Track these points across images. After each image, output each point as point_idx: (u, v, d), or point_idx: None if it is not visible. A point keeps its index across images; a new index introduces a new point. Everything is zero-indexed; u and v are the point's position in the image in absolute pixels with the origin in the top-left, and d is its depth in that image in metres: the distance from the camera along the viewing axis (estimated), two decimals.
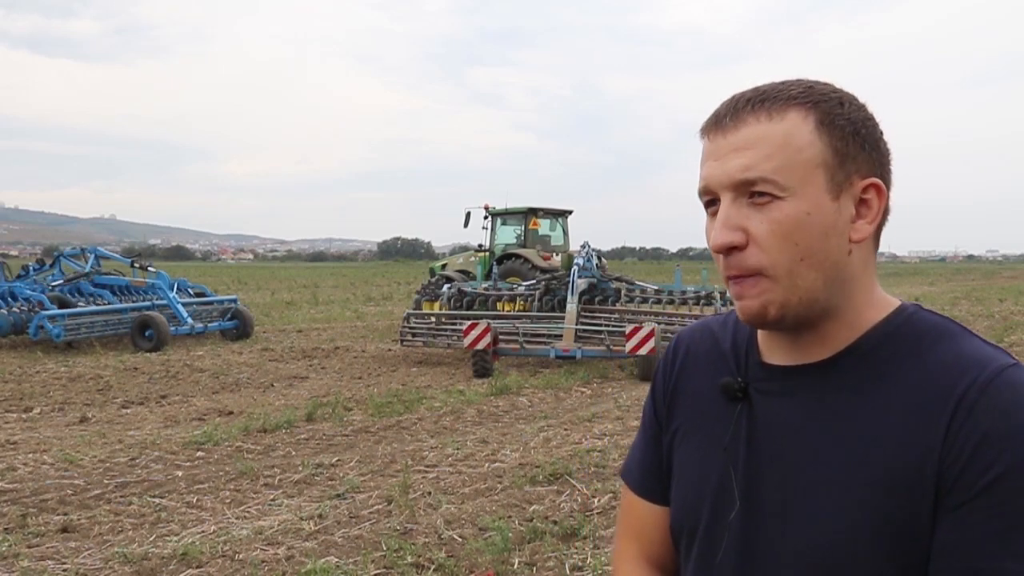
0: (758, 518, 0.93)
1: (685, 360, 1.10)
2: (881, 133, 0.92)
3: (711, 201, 0.92)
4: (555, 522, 4.73)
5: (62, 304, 13.47)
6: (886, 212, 0.92)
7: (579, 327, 10.92)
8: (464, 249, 20.49)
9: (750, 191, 0.87)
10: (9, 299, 13.63)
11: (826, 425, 0.90)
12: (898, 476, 0.84)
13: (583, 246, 12.76)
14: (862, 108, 0.91)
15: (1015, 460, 0.79)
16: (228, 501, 5.22)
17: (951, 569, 0.81)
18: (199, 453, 6.45)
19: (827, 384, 0.92)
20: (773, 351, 0.98)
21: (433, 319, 12.30)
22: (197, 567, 4.13)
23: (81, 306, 13.84)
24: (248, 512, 5.01)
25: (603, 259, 13.46)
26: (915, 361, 0.88)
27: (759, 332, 1.00)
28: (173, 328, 13.59)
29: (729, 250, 0.88)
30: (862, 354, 0.91)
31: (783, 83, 0.91)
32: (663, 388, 1.12)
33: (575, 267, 11.83)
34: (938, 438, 0.83)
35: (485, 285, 13.32)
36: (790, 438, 0.93)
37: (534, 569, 4.11)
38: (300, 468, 5.94)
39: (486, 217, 17.09)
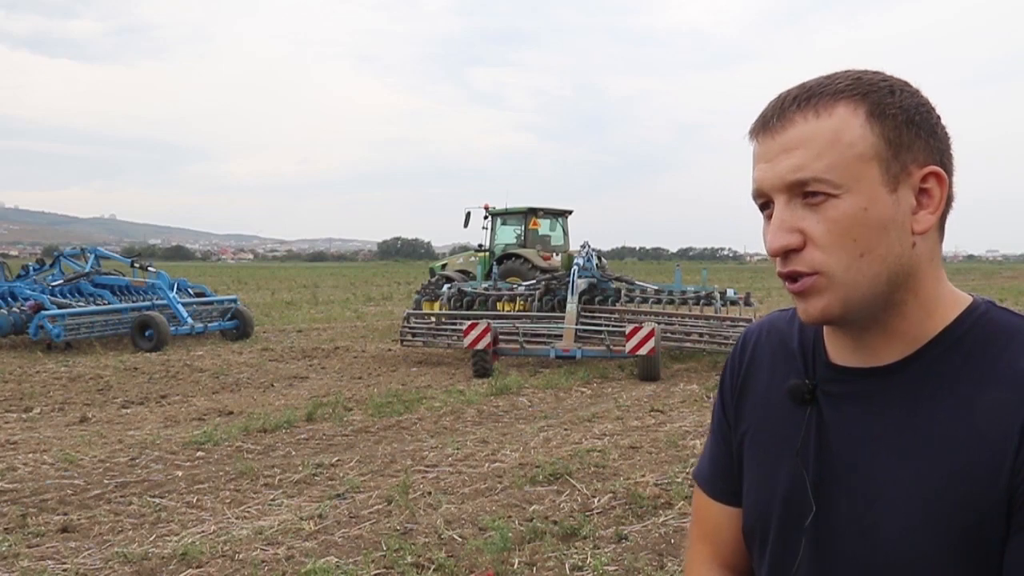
0: (831, 526, 0.92)
1: (753, 358, 1.08)
2: (938, 118, 0.89)
3: (765, 204, 0.90)
4: (555, 522, 4.73)
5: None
6: (949, 200, 0.88)
7: (579, 327, 10.93)
8: (464, 249, 20.50)
9: (803, 191, 0.86)
10: (9, 299, 13.63)
11: (896, 433, 0.88)
12: (970, 490, 0.82)
13: (583, 246, 12.76)
14: (916, 94, 0.88)
15: None
16: (228, 501, 5.22)
17: None
18: (199, 453, 6.45)
19: (896, 389, 0.89)
20: (840, 351, 0.96)
21: (433, 319, 12.31)
22: (197, 567, 4.13)
23: (77, 306, 13.81)
24: (248, 512, 5.01)
25: (603, 259, 13.47)
26: (988, 367, 0.85)
27: (826, 331, 0.98)
28: (173, 328, 13.59)
29: (787, 253, 0.86)
30: (933, 358, 0.88)
31: (830, 76, 0.89)
32: (731, 386, 1.10)
33: (575, 267, 11.83)
34: (1011, 449, 0.80)
35: (485, 285, 13.32)
36: (860, 445, 0.91)
37: (534, 569, 4.11)
38: (300, 468, 5.94)
39: (486, 217, 17.09)
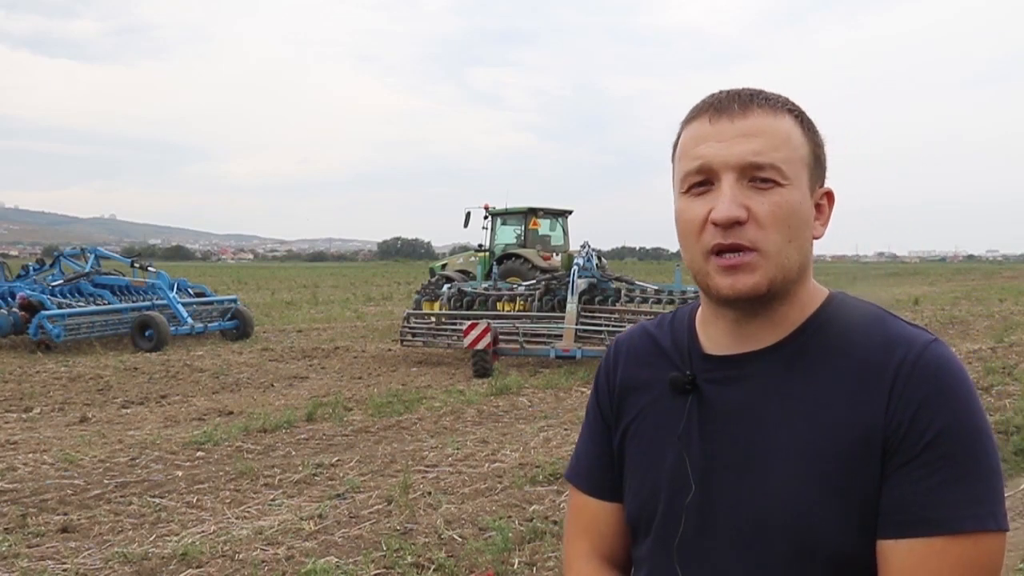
0: (714, 498, 1.00)
1: (628, 361, 1.16)
2: None
3: (703, 181, 0.97)
4: (555, 522, 4.73)
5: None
6: None
7: (579, 327, 10.93)
8: (464, 249, 20.49)
9: (754, 175, 0.95)
10: (9, 299, 13.63)
11: (777, 406, 0.98)
12: (847, 444, 0.93)
13: (583, 246, 12.75)
14: (819, 130, 1.03)
15: (949, 419, 0.90)
16: (228, 501, 5.22)
17: (898, 523, 0.90)
18: (199, 453, 6.45)
19: (775, 367, 0.99)
20: (716, 343, 1.05)
21: (433, 319, 12.31)
22: (197, 567, 4.13)
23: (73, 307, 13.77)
24: (248, 512, 5.01)
25: (603, 259, 13.46)
26: (852, 342, 0.97)
27: (699, 326, 1.08)
28: (173, 328, 13.59)
29: (731, 225, 0.94)
30: (806, 337, 1.00)
31: (766, 89, 1.01)
32: (607, 389, 1.18)
33: (575, 267, 11.83)
34: (880, 407, 0.92)
35: (485, 285, 13.32)
36: (743, 421, 0.99)
37: (534, 569, 4.11)
38: (300, 468, 5.94)
39: (486, 217, 17.08)
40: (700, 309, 1.09)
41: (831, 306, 1.02)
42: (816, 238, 1.01)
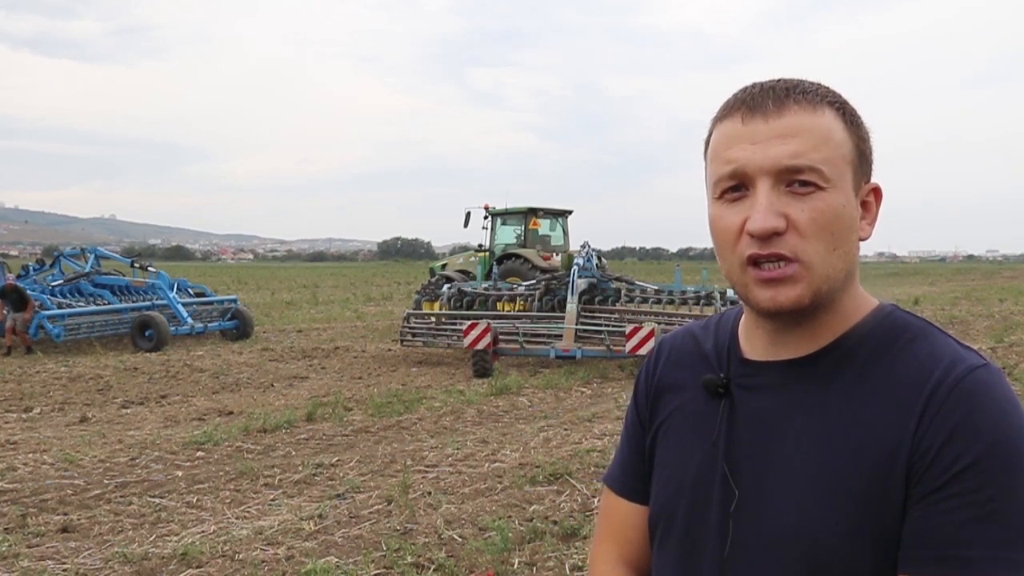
0: (739, 507, 0.95)
1: (667, 362, 1.12)
2: None
3: (736, 186, 0.90)
4: (555, 522, 4.73)
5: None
6: None
7: (579, 327, 10.92)
8: (464, 249, 20.48)
9: (792, 179, 0.87)
10: None
11: (806, 418, 0.92)
12: (872, 467, 0.87)
13: (583, 246, 12.75)
14: (863, 120, 0.95)
15: (980, 452, 0.82)
16: (228, 501, 5.22)
17: (919, 557, 0.84)
18: (199, 453, 6.45)
19: (810, 378, 0.94)
20: (756, 348, 1.00)
21: (433, 319, 12.31)
22: (197, 567, 4.13)
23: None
24: (248, 512, 5.01)
25: (603, 259, 13.45)
26: (893, 358, 0.91)
27: (742, 330, 1.03)
28: (173, 328, 13.59)
29: (770, 236, 0.87)
30: (845, 350, 0.93)
31: (802, 80, 0.93)
32: (645, 390, 1.14)
33: (575, 267, 11.83)
34: (909, 431, 0.86)
35: (485, 285, 13.32)
36: (771, 430, 0.95)
37: (534, 569, 4.10)
38: (300, 468, 5.94)
39: (486, 217, 17.07)
40: (744, 314, 1.04)
41: (876, 318, 0.95)
42: (863, 239, 0.93)
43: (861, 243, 0.94)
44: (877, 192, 0.95)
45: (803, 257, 0.87)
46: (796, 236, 0.87)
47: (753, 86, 0.93)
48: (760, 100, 0.90)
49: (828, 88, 0.93)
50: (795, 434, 0.92)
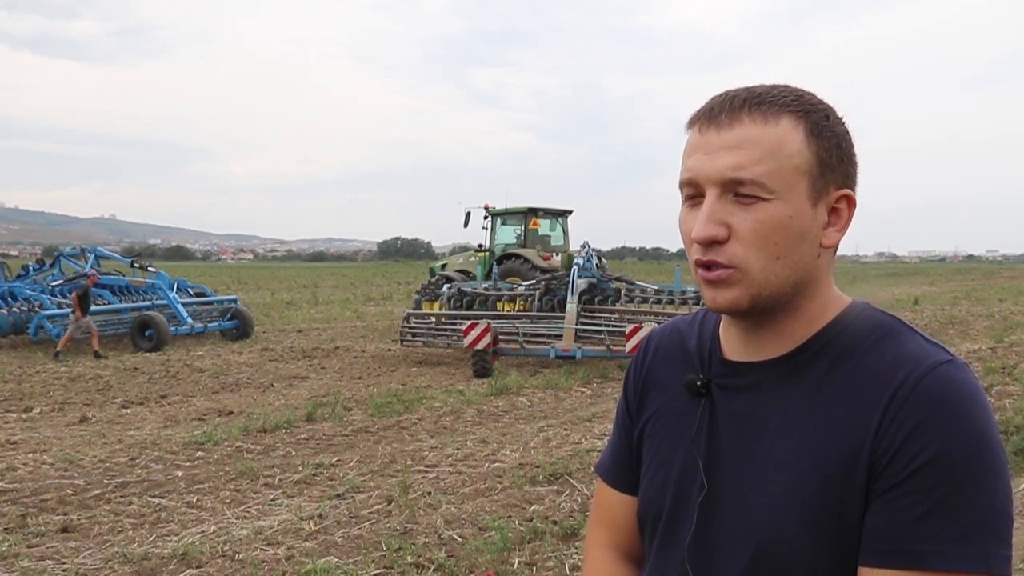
0: (716, 505, 0.99)
1: (655, 357, 1.16)
2: (854, 147, 0.97)
3: (693, 194, 0.95)
4: (555, 522, 4.73)
5: None
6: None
7: (579, 327, 10.93)
8: (464, 249, 20.48)
9: (736, 190, 0.90)
10: (9, 299, 13.63)
11: (781, 418, 0.95)
12: (837, 464, 0.89)
13: (583, 246, 12.75)
14: (842, 122, 0.96)
15: (940, 449, 0.84)
16: (228, 501, 5.22)
17: (874, 551, 0.86)
18: (199, 453, 6.45)
19: (783, 379, 0.97)
20: (734, 348, 1.03)
21: (433, 319, 12.31)
22: (197, 567, 4.13)
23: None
24: (248, 512, 5.01)
25: (603, 259, 13.46)
26: (860, 358, 0.93)
27: (721, 331, 1.06)
28: (173, 328, 13.59)
29: (710, 243, 0.91)
30: (816, 351, 0.96)
31: (774, 87, 0.95)
32: (634, 384, 1.18)
33: (575, 267, 11.83)
34: (872, 429, 0.88)
35: (485, 285, 13.32)
36: (748, 430, 0.98)
37: (534, 569, 4.11)
38: (300, 468, 5.94)
39: (486, 217, 17.08)
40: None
41: (845, 319, 0.97)
42: (827, 246, 0.94)
43: (832, 248, 0.95)
44: (849, 199, 0.95)
45: (740, 264, 0.91)
46: (737, 244, 0.91)
47: (718, 96, 0.96)
48: (717, 111, 0.93)
49: (798, 95, 0.94)
50: (770, 435, 0.95)
